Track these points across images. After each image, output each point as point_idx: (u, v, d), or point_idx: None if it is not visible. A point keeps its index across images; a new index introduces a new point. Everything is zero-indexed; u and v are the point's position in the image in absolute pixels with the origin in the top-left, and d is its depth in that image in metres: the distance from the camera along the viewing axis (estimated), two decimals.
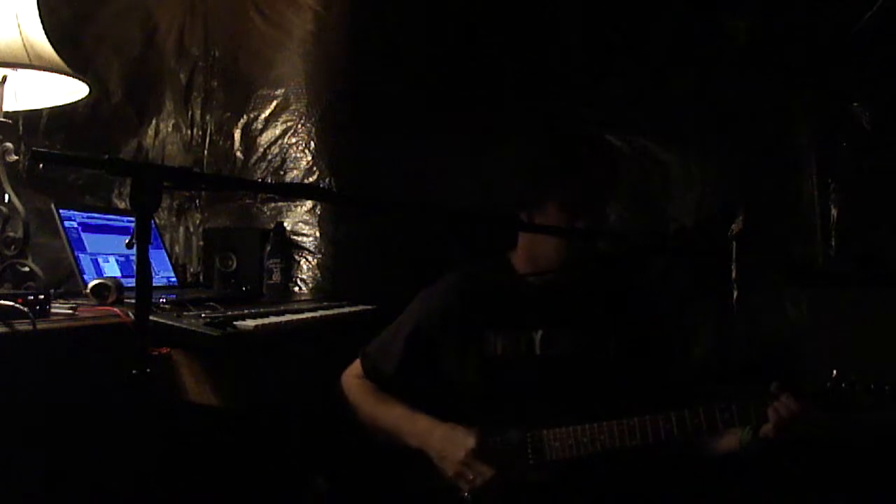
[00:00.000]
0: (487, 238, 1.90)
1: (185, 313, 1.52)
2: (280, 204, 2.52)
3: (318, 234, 2.46)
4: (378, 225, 2.36)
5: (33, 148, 0.99)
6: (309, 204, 2.47)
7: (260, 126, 2.56)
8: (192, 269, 2.58)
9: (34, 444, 1.27)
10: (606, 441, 1.46)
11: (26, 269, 1.53)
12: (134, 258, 0.97)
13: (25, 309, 1.23)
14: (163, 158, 2.67)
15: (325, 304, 2.12)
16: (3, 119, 1.58)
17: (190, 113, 2.68)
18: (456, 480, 1.50)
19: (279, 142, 2.53)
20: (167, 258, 2.28)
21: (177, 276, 2.29)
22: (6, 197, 1.56)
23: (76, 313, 1.43)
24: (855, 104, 2.01)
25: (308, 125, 2.49)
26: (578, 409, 1.51)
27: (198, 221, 2.65)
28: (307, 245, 2.46)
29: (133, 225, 0.96)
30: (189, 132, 2.68)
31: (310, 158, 2.48)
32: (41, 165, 2.16)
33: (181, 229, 2.66)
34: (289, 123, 2.52)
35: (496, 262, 1.71)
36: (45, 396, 1.23)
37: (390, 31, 2.42)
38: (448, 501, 1.52)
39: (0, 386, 1.14)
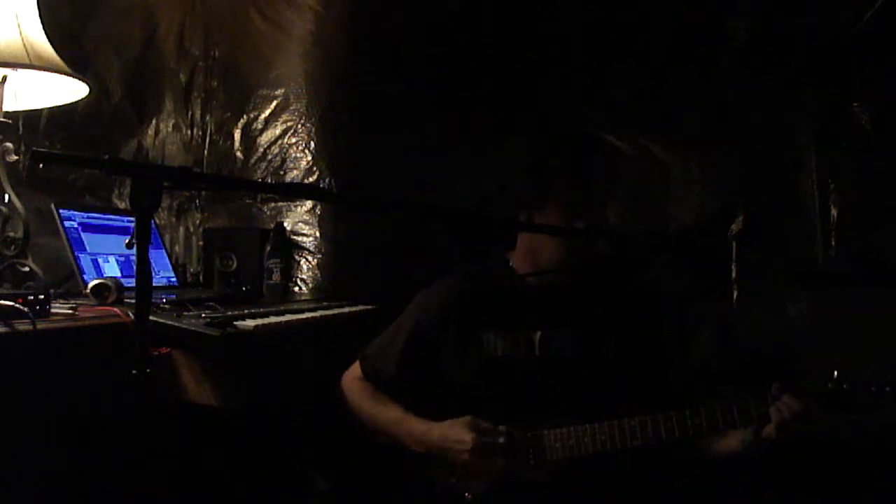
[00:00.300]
0: (487, 238, 1.89)
1: (185, 313, 1.52)
2: (280, 204, 2.53)
3: (318, 234, 2.46)
4: (378, 225, 2.36)
5: (33, 148, 0.99)
6: (309, 204, 2.47)
7: (260, 126, 2.57)
8: (192, 269, 2.58)
9: (34, 444, 1.27)
10: (607, 441, 1.46)
11: (26, 269, 1.53)
12: (134, 258, 0.97)
13: (25, 309, 1.23)
14: (163, 158, 2.68)
15: (325, 304, 2.12)
16: (3, 119, 1.58)
17: (190, 113, 2.68)
18: (464, 475, 1.50)
19: (279, 142, 2.53)
20: (167, 258, 2.28)
21: (177, 276, 2.29)
22: (6, 197, 1.56)
23: (76, 313, 1.43)
24: (855, 104, 2.01)
25: (308, 125, 2.50)
26: (578, 409, 1.51)
27: (198, 221, 2.65)
28: (307, 245, 2.46)
29: (133, 225, 0.96)
30: (189, 132, 2.68)
31: (310, 158, 2.49)
32: (41, 165, 2.15)
33: (181, 229, 2.66)
34: (289, 123, 2.52)
35: (496, 263, 1.70)
36: (45, 396, 1.23)
37: (390, 31, 2.42)
38: (448, 501, 1.52)
39: (0, 386, 1.13)
